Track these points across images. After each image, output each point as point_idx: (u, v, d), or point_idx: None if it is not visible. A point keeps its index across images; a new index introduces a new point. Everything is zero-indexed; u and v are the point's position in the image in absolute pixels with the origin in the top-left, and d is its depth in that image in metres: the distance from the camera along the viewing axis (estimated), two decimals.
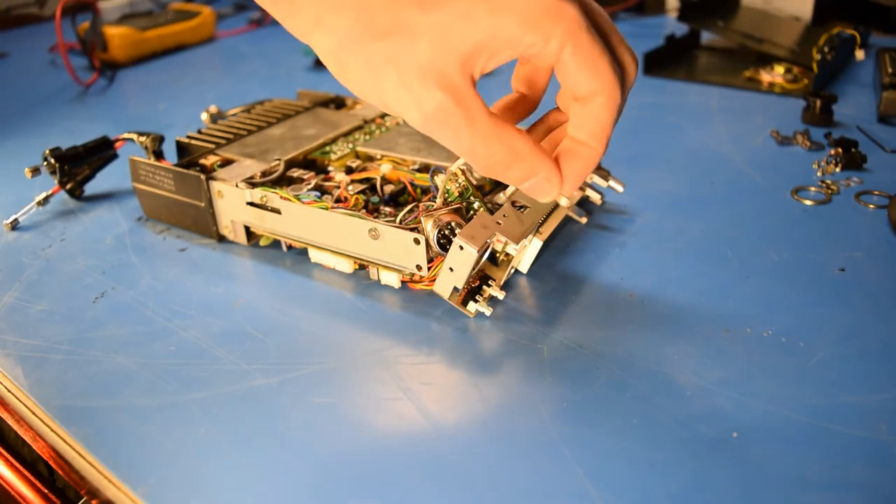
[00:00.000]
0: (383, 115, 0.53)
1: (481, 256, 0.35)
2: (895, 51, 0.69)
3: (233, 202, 0.42)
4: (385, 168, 0.43)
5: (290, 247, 0.43)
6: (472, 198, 0.38)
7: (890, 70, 0.63)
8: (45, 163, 0.50)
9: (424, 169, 0.43)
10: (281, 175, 0.43)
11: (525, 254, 0.39)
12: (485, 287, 0.36)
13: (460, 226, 0.36)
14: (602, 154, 0.28)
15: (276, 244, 0.44)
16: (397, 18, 0.25)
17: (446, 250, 0.35)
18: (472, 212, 0.38)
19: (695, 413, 0.30)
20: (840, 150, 0.51)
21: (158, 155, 0.50)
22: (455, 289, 0.35)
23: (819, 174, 0.51)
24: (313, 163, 0.46)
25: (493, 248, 0.37)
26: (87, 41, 0.84)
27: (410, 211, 0.38)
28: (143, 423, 0.31)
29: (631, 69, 0.28)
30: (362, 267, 0.40)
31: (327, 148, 0.47)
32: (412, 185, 0.42)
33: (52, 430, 0.31)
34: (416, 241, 0.35)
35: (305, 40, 0.28)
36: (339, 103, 0.57)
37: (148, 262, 0.43)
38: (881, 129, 0.58)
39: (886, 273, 0.38)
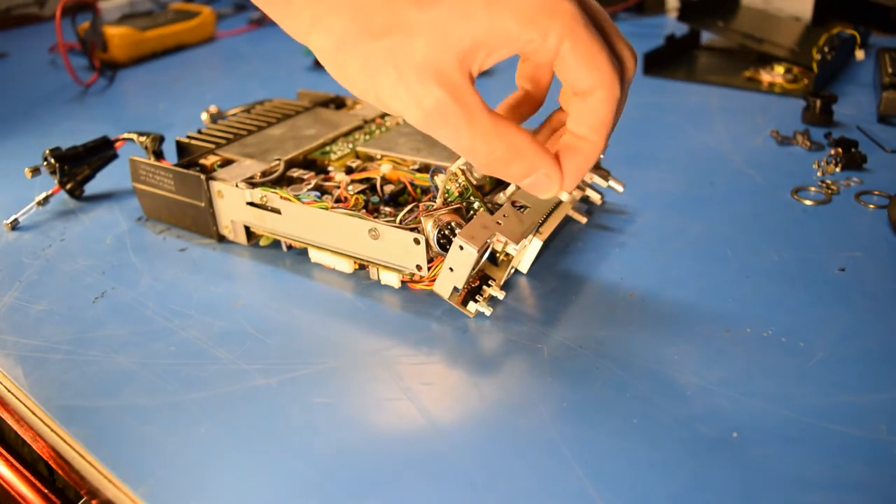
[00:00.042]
0: (383, 115, 0.53)
1: (481, 256, 0.35)
2: (895, 51, 0.69)
3: (233, 202, 0.42)
4: (385, 168, 0.43)
5: (290, 247, 0.43)
6: (472, 198, 0.38)
7: (890, 70, 0.63)
8: (45, 163, 0.50)
9: (424, 169, 0.43)
10: (281, 175, 0.43)
11: (525, 254, 0.39)
12: (485, 287, 0.36)
13: (460, 226, 0.36)
14: (602, 148, 0.28)
15: (276, 244, 0.44)
16: (394, 17, 0.25)
17: (446, 250, 0.34)
18: (472, 212, 0.38)
19: (695, 413, 0.30)
20: (840, 150, 0.51)
21: (158, 155, 0.50)
22: (455, 289, 0.35)
23: (819, 174, 0.51)
24: (313, 163, 0.46)
25: (493, 248, 0.37)
26: (87, 41, 0.84)
27: (410, 211, 0.38)
28: (143, 423, 0.31)
29: (630, 64, 0.28)
30: (362, 267, 0.40)
31: (327, 148, 0.47)
32: (412, 185, 0.42)
33: (52, 430, 0.31)
34: (416, 241, 0.35)
35: (302, 41, 0.28)
36: (339, 103, 0.57)
37: (148, 262, 0.43)
38: (881, 129, 0.58)
39: (886, 273, 0.38)
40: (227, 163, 0.45)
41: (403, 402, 0.31)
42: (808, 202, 0.46)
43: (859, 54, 0.73)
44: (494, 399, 0.31)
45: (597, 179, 0.44)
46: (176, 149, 0.48)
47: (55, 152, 0.49)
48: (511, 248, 0.34)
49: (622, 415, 0.30)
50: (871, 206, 0.46)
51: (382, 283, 0.39)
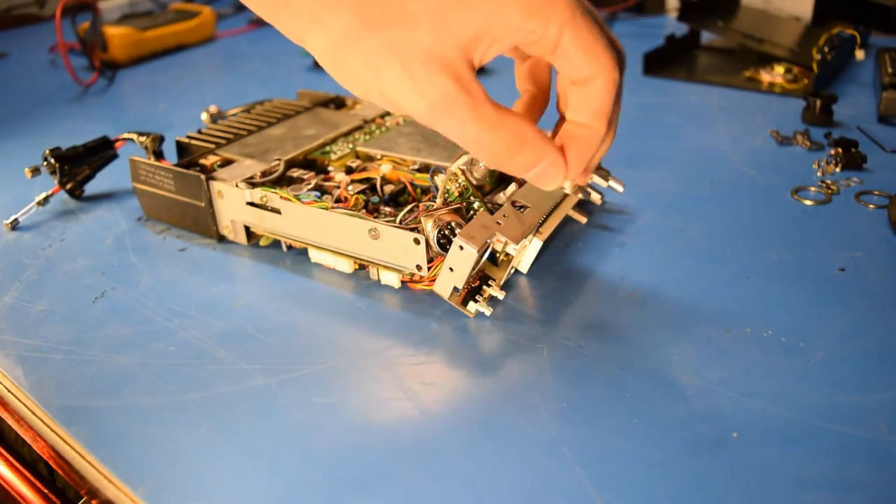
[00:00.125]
0: (383, 115, 0.53)
1: (481, 256, 0.35)
2: (895, 51, 0.69)
3: (233, 202, 0.42)
4: (385, 168, 0.43)
5: (290, 247, 0.43)
6: (472, 198, 0.38)
7: (890, 70, 0.63)
8: (45, 163, 0.50)
9: (424, 169, 0.43)
10: (281, 175, 0.43)
11: (525, 254, 0.39)
12: (485, 287, 0.36)
13: (460, 226, 0.36)
14: (603, 135, 0.28)
15: (276, 244, 0.44)
16: (396, 9, 0.25)
17: (446, 250, 0.35)
18: (472, 212, 0.38)
19: (695, 413, 0.30)
20: (840, 150, 0.51)
21: (158, 155, 0.50)
22: (455, 289, 0.35)
23: (819, 174, 0.51)
24: (313, 163, 0.46)
25: (493, 248, 0.37)
26: (87, 41, 0.84)
27: (410, 211, 0.38)
28: (143, 423, 0.31)
29: (621, 53, 0.28)
30: (362, 267, 0.40)
31: (327, 148, 0.47)
32: (412, 185, 0.42)
33: (52, 430, 0.31)
34: (416, 241, 0.35)
35: (299, 41, 0.28)
36: (339, 103, 0.57)
37: (148, 262, 0.43)
38: (881, 129, 0.58)
39: (886, 273, 0.38)
40: (227, 163, 0.45)
41: (403, 402, 0.31)
42: (808, 202, 0.46)
43: (859, 54, 0.73)
44: (494, 399, 0.31)
45: (597, 179, 0.44)
46: (176, 149, 0.48)
47: (55, 152, 0.49)
48: (511, 248, 0.34)
49: (622, 415, 0.30)
50: (871, 206, 0.46)
51: (382, 283, 0.39)
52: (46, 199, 0.50)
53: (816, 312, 0.35)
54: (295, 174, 0.43)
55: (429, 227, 0.35)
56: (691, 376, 0.32)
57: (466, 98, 0.26)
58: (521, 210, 0.36)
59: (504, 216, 0.35)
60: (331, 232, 0.39)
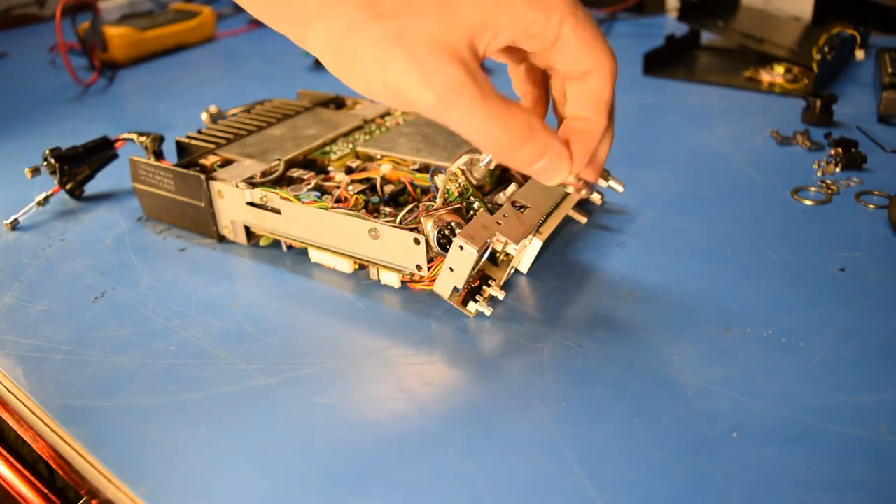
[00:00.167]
0: (383, 115, 0.53)
1: (481, 256, 0.35)
2: (895, 51, 0.69)
3: (233, 202, 0.42)
4: (385, 168, 0.43)
5: (290, 247, 0.43)
6: (472, 198, 0.38)
7: (890, 70, 0.63)
8: (45, 163, 0.50)
9: (424, 169, 0.43)
10: (281, 175, 0.43)
11: (525, 254, 0.39)
12: (485, 287, 0.36)
13: (460, 226, 0.36)
14: (604, 127, 0.28)
15: (276, 244, 0.44)
16: None
17: (446, 250, 0.35)
18: (472, 212, 0.38)
19: (695, 413, 0.30)
20: (840, 150, 0.51)
21: (158, 155, 0.50)
22: (455, 289, 0.35)
23: (819, 174, 0.51)
24: (313, 163, 0.46)
25: (493, 248, 0.37)
26: (87, 41, 0.84)
27: (410, 211, 0.38)
28: (143, 423, 0.31)
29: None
30: (362, 267, 0.40)
31: (327, 148, 0.47)
32: (412, 185, 0.42)
33: (52, 430, 0.31)
34: (416, 241, 0.35)
35: (300, 36, 0.27)
36: (339, 103, 0.57)
37: (148, 262, 0.43)
38: (881, 129, 0.58)
39: (886, 273, 0.38)
40: (227, 163, 0.45)
41: (403, 402, 0.31)
42: (808, 202, 0.46)
43: (859, 54, 0.73)
44: (494, 399, 0.31)
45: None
46: (176, 149, 0.48)
47: (55, 152, 0.49)
48: (511, 248, 0.34)
49: (622, 415, 0.30)
50: (871, 206, 0.46)
51: (382, 283, 0.39)
52: (46, 199, 0.50)
53: (816, 312, 0.35)
54: (295, 174, 0.43)
55: (429, 227, 0.35)
56: (691, 376, 0.32)
57: (474, 87, 0.25)
58: (521, 210, 0.36)
59: (504, 216, 0.35)
60: (331, 232, 0.39)
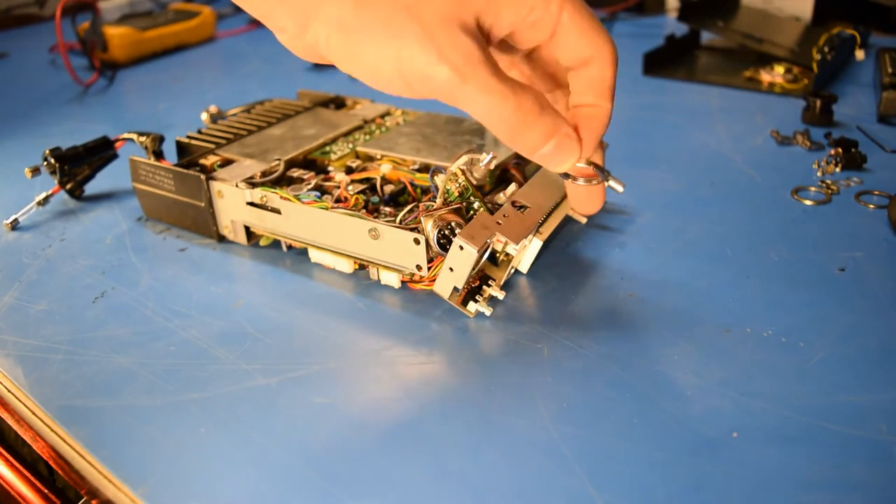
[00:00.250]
0: (383, 115, 0.53)
1: (481, 256, 0.35)
2: (895, 51, 0.69)
3: (233, 202, 0.42)
4: (385, 168, 0.43)
5: (290, 247, 0.43)
6: (472, 198, 0.38)
7: (890, 70, 0.63)
8: (45, 163, 0.50)
9: (424, 169, 0.43)
10: (281, 175, 0.43)
11: (525, 254, 0.39)
12: (485, 287, 0.36)
13: (460, 226, 0.36)
14: (610, 112, 0.28)
15: (276, 244, 0.44)
16: None
17: (446, 250, 0.35)
18: (472, 212, 0.38)
19: (695, 413, 0.30)
20: (840, 150, 0.51)
21: (158, 155, 0.50)
22: (455, 289, 0.35)
23: (819, 174, 0.51)
24: (313, 163, 0.46)
25: (493, 248, 0.37)
26: (87, 41, 0.84)
27: (410, 211, 0.38)
28: (143, 423, 0.31)
29: None
30: (362, 267, 0.40)
31: (327, 148, 0.47)
32: (412, 185, 0.42)
33: (52, 430, 0.31)
34: (416, 241, 0.35)
35: (302, 25, 0.27)
36: (339, 103, 0.57)
37: (148, 262, 0.43)
38: (881, 129, 0.58)
39: (886, 273, 0.38)
40: (227, 163, 0.45)
41: (403, 401, 0.31)
42: (808, 202, 0.46)
43: (859, 54, 0.73)
44: (494, 399, 0.31)
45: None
46: (176, 149, 0.48)
47: (55, 152, 0.49)
48: (511, 248, 0.34)
49: (622, 415, 0.30)
50: (871, 206, 0.46)
51: (382, 283, 0.39)
52: (46, 199, 0.50)
53: (816, 312, 0.35)
54: (295, 174, 0.43)
55: (429, 227, 0.35)
56: (691, 376, 0.32)
57: (488, 61, 0.25)
58: (521, 210, 0.36)
59: (504, 216, 0.35)
60: (331, 232, 0.39)
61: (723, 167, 0.53)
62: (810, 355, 0.32)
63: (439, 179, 0.40)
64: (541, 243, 0.39)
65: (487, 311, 0.36)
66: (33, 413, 0.32)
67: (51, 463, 0.30)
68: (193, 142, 0.48)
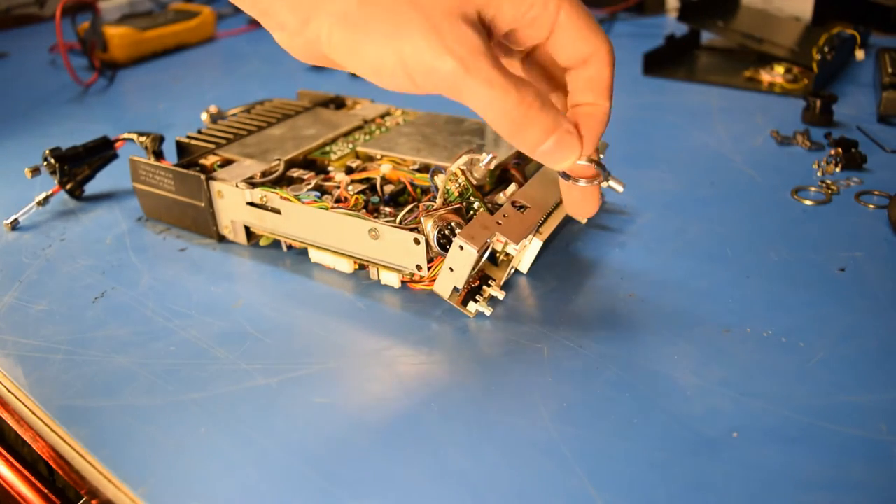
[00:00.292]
0: (383, 115, 0.53)
1: (481, 256, 0.35)
2: (895, 51, 0.69)
3: (233, 202, 0.42)
4: (385, 168, 0.43)
5: (290, 247, 0.43)
6: (472, 198, 0.38)
7: (890, 70, 0.63)
8: (45, 163, 0.50)
9: (424, 169, 0.43)
10: (281, 175, 0.43)
11: (525, 254, 0.39)
12: (485, 287, 0.36)
13: (460, 226, 0.36)
14: (610, 111, 0.28)
15: (276, 244, 0.44)
16: None
17: (446, 250, 0.35)
18: (472, 212, 0.38)
19: (695, 413, 0.30)
20: (840, 150, 0.51)
21: (158, 155, 0.50)
22: (455, 289, 0.35)
23: (819, 174, 0.51)
24: (313, 163, 0.46)
25: (493, 248, 0.37)
26: (87, 41, 0.84)
27: (410, 211, 0.38)
28: (143, 423, 0.31)
29: None
30: (362, 267, 0.40)
31: (327, 148, 0.47)
32: (412, 185, 0.42)
33: (52, 430, 0.31)
34: (416, 241, 0.35)
35: (303, 20, 0.27)
36: (339, 103, 0.57)
37: (148, 262, 0.43)
38: (881, 129, 0.58)
39: (886, 273, 0.38)
40: (227, 163, 0.45)
41: (403, 402, 0.31)
42: (807, 202, 0.46)
43: (859, 54, 0.73)
44: (494, 399, 0.31)
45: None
46: (176, 149, 0.48)
47: (55, 152, 0.49)
48: (511, 248, 0.34)
49: (622, 415, 0.30)
50: (871, 206, 0.46)
51: (382, 283, 0.39)
52: (46, 199, 0.50)
53: (816, 312, 0.35)
54: (295, 174, 0.43)
55: (429, 227, 0.35)
56: (691, 376, 0.32)
57: (491, 54, 0.26)
58: (521, 210, 0.36)
59: (504, 216, 0.35)
60: (331, 232, 0.39)
61: (723, 167, 0.53)
62: (810, 355, 0.32)
63: (439, 179, 0.40)
64: (541, 243, 0.39)
65: (487, 311, 0.36)
66: (33, 413, 0.32)
67: (51, 463, 0.30)
68: (193, 142, 0.48)
